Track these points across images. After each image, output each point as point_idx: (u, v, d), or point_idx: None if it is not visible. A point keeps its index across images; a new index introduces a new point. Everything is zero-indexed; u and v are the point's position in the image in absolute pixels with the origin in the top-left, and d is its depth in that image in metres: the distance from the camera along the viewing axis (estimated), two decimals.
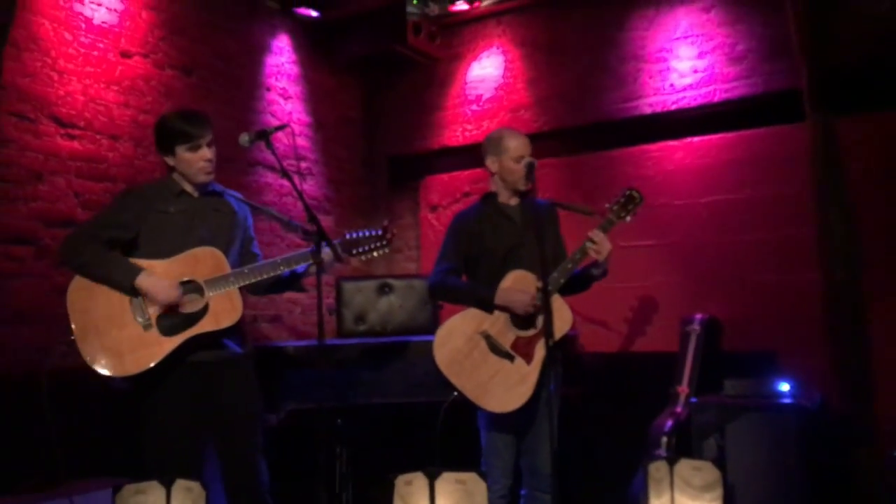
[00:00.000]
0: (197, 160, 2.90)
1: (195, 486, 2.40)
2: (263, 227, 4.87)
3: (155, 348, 2.74)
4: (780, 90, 4.34)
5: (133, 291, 2.77)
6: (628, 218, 3.01)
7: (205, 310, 2.81)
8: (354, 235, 3.01)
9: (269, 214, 3.24)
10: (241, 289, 2.90)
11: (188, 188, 2.98)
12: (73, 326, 2.72)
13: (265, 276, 2.92)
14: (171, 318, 2.79)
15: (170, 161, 2.95)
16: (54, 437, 3.01)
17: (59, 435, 3.51)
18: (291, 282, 3.13)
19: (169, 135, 2.91)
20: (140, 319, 2.77)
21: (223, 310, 2.82)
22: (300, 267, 2.99)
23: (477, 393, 2.93)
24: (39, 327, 3.66)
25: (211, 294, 2.82)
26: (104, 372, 2.68)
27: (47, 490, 3.21)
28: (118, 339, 2.73)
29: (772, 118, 4.40)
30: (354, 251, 2.99)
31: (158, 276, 2.78)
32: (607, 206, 3.04)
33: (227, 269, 2.89)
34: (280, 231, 5.08)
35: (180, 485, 2.40)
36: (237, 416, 2.89)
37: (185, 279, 2.84)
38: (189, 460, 2.78)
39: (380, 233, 3.00)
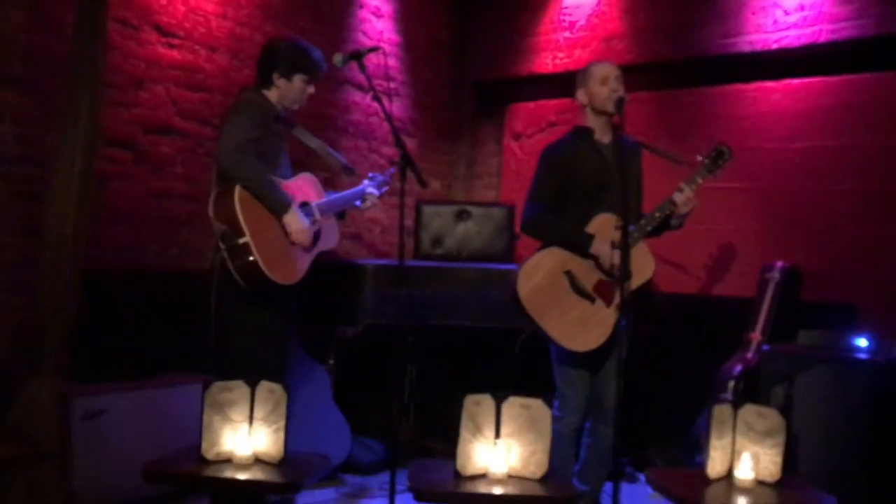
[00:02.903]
0: (306, 93, 3.21)
1: (278, 388, 2.55)
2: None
3: (302, 259, 3.09)
4: (891, 34, 4.11)
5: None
6: (717, 173, 3.01)
7: (319, 231, 3.18)
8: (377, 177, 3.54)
9: (324, 152, 3.47)
10: None
11: (279, 110, 3.21)
12: (245, 229, 2.88)
13: (352, 203, 3.39)
14: None
15: (279, 83, 3.14)
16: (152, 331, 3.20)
17: (153, 330, 3.77)
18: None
19: (298, 62, 3.14)
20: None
21: (331, 233, 3.26)
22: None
23: (556, 330, 2.99)
24: (136, 228, 3.87)
25: (319, 217, 3.18)
26: (275, 277, 2.93)
27: (144, 380, 3.47)
28: (280, 248, 3.01)
29: (879, 64, 4.20)
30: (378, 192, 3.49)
31: (302, 217, 3.05)
32: (699, 157, 3.02)
33: (324, 194, 3.26)
34: (364, 151, 5.16)
35: (264, 386, 2.55)
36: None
37: (301, 202, 3.14)
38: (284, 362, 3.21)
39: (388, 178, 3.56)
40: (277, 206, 2.96)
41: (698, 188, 3.02)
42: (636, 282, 3.00)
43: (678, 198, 2.98)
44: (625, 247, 2.68)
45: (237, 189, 2.90)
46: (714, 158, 3.02)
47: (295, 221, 2.99)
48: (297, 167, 3.39)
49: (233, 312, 3.03)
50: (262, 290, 2.94)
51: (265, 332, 3.07)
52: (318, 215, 3.18)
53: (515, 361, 3.01)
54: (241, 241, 2.84)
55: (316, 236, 3.17)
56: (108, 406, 3.24)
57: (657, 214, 3.01)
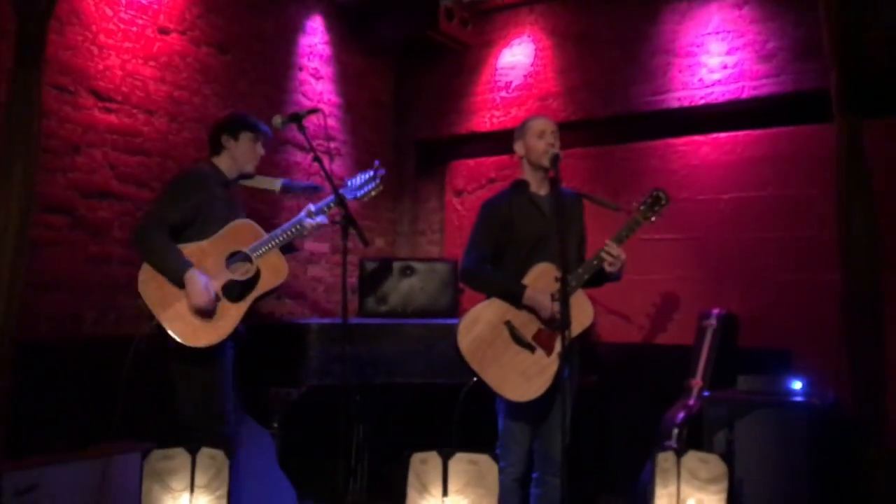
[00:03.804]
0: (256, 152, 3.36)
1: (219, 454, 2.51)
2: (292, 206, 4.97)
3: (229, 312, 3.10)
4: (808, 90, 4.33)
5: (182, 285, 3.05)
6: (654, 218, 3.09)
7: (258, 273, 3.18)
8: (355, 181, 3.51)
9: (287, 189, 3.66)
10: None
11: (228, 177, 3.34)
12: (153, 310, 3.00)
13: (293, 234, 3.32)
14: (234, 287, 3.14)
15: (228, 144, 3.30)
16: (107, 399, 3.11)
17: (89, 399, 3.65)
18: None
19: (242, 123, 3.32)
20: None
21: (274, 268, 3.22)
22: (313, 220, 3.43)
23: (497, 381, 3.00)
24: (73, 295, 3.79)
25: (257, 257, 3.19)
26: (198, 344, 3.01)
27: (78, 453, 3.34)
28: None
29: (799, 117, 4.42)
30: (359, 194, 3.50)
31: (197, 280, 3.04)
32: (635, 204, 3.10)
33: (262, 235, 3.27)
34: None
35: (205, 452, 2.51)
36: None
37: (232, 251, 3.18)
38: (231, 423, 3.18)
39: (372, 173, 3.53)
40: (174, 275, 3.05)
41: (635, 232, 3.08)
42: (575, 329, 3.03)
43: (605, 256, 3.05)
44: (564, 296, 2.72)
45: (141, 272, 3.04)
46: (651, 204, 3.10)
47: (192, 285, 3.03)
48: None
49: (177, 373, 3.11)
50: (194, 352, 3.02)
51: (211, 384, 3.11)
52: (253, 257, 3.20)
53: (459, 414, 3.00)
54: (154, 321, 3.00)
55: (253, 280, 3.18)
56: (41, 480, 3.11)
57: (590, 267, 3.06)
